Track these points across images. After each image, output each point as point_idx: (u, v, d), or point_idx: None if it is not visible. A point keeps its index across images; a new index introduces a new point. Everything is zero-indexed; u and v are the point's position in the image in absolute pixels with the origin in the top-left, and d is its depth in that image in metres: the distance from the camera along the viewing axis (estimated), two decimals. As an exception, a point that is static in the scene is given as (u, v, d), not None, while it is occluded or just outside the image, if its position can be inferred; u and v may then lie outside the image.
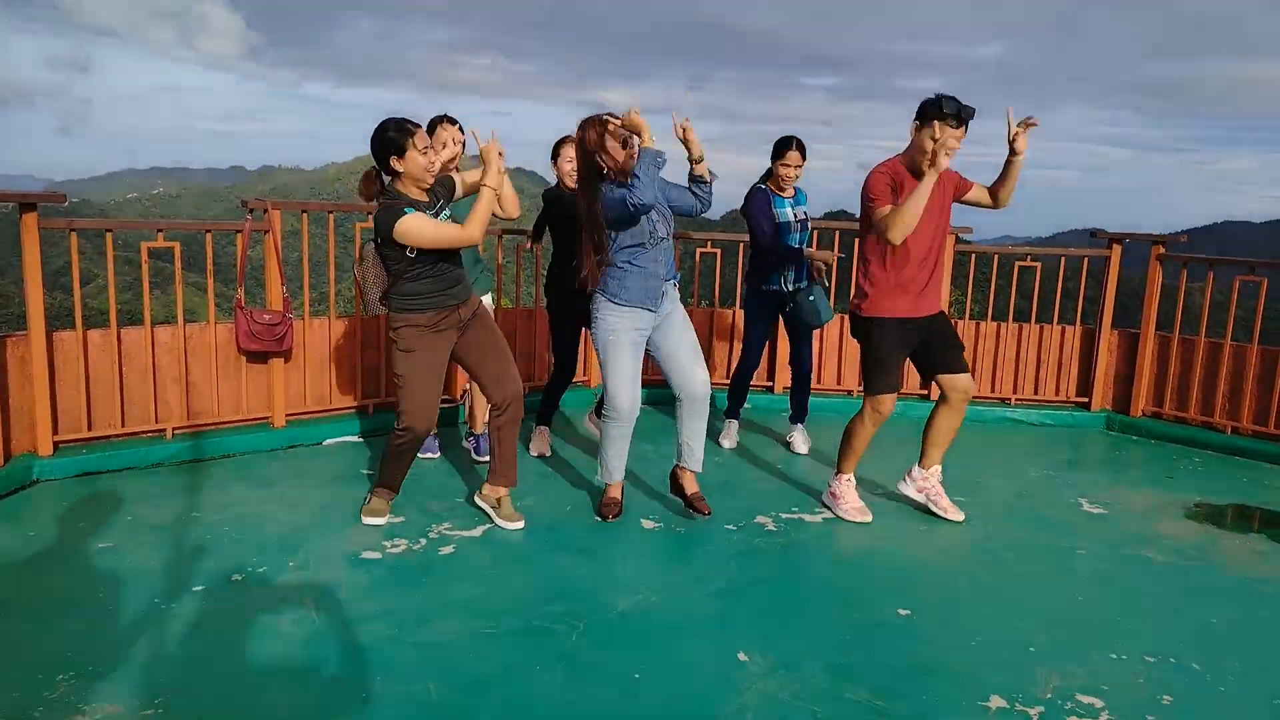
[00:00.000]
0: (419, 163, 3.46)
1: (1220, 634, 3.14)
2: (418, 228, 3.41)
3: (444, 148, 4.23)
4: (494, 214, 3.70)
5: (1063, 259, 6.36)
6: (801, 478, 4.69)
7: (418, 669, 2.70)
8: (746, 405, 5.39)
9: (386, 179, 3.55)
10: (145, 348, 4.51)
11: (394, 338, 3.63)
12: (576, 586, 3.30)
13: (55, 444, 4.29)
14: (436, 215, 3.53)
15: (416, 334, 3.59)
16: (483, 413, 4.63)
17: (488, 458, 4.42)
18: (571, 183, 4.33)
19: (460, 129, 4.29)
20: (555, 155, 4.65)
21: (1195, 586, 3.54)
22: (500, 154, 3.58)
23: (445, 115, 4.37)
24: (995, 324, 6.18)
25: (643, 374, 3.92)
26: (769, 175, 4.91)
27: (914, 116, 3.74)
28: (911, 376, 6.18)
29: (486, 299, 4.53)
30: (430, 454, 4.73)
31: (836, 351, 6.28)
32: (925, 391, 6.18)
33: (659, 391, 5.41)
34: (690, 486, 4.03)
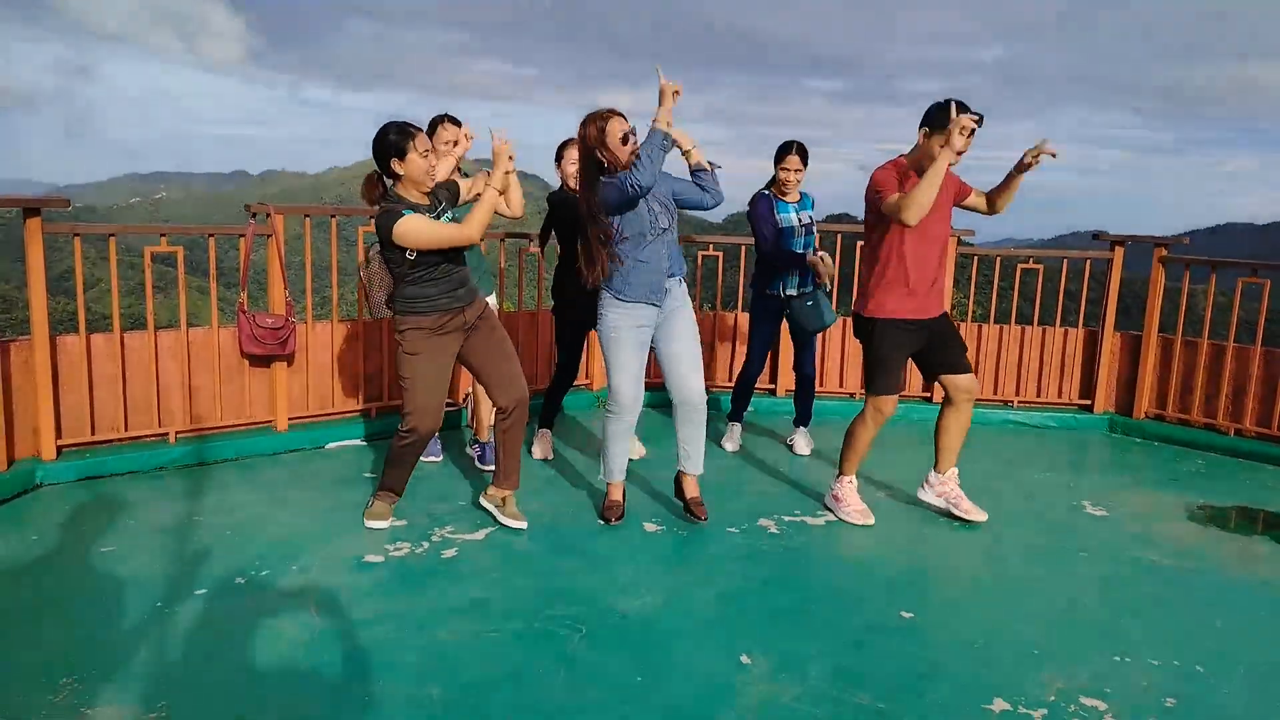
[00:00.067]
0: (419, 165, 3.48)
1: (1223, 636, 3.13)
2: (416, 229, 3.42)
3: (451, 146, 4.24)
4: (499, 213, 3.71)
5: (1065, 261, 6.36)
6: (804, 480, 4.69)
7: (420, 672, 2.70)
8: (750, 409, 5.39)
9: (389, 182, 3.56)
10: (148, 352, 4.52)
11: (399, 340, 3.65)
12: (579, 589, 3.30)
13: (59, 448, 4.30)
14: (438, 218, 3.54)
15: (421, 336, 3.61)
16: (487, 420, 4.63)
17: (491, 467, 4.43)
18: (575, 184, 4.33)
19: (459, 127, 4.30)
20: (559, 158, 4.65)
21: (1198, 589, 3.53)
22: (510, 156, 3.61)
23: (446, 115, 4.37)
24: (998, 327, 6.18)
25: (645, 374, 3.93)
26: (774, 180, 4.92)
27: (921, 123, 3.72)
28: (914, 379, 6.19)
29: (490, 300, 4.53)
30: (433, 457, 4.74)
31: (838, 354, 6.28)
32: (928, 394, 6.18)
33: (661, 394, 5.42)
34: (690, 491, 4.03)
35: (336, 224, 5.10)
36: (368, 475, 4.52)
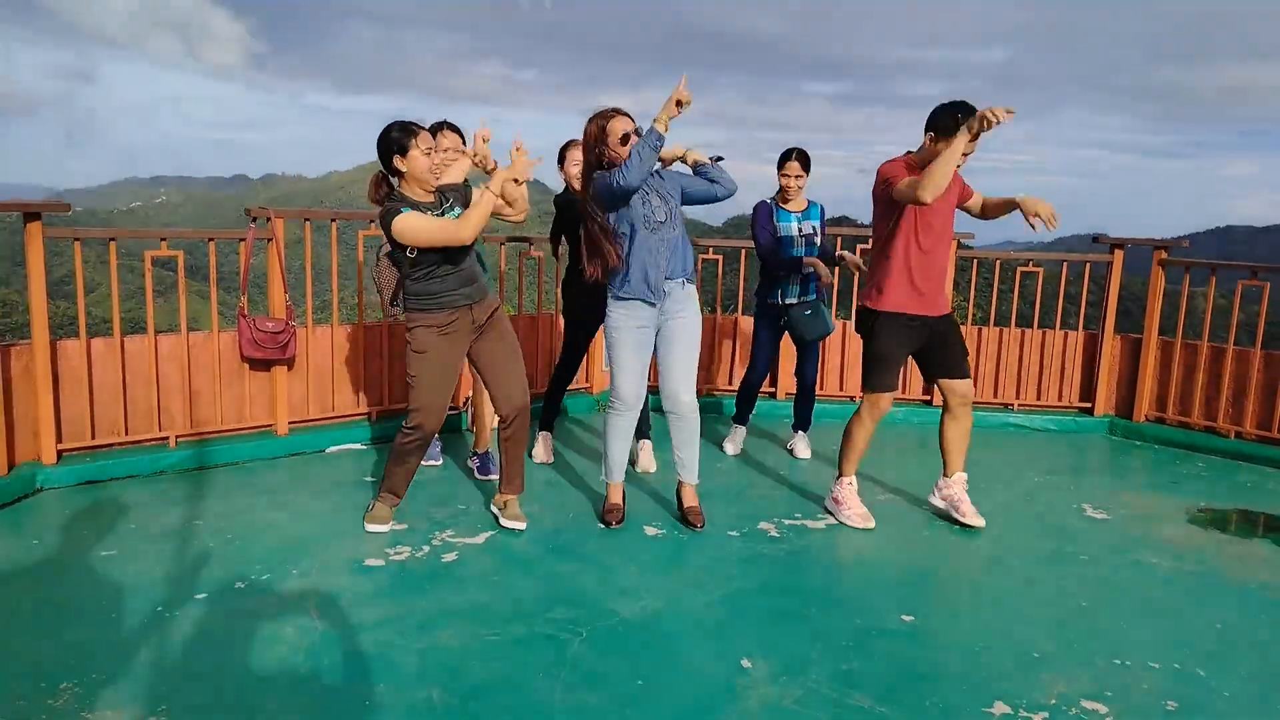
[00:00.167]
0: (421, 163, 3.49)
1: (1224, 640, 3.13)
2: (412, 226, 3.44)
3: (451, 153, 4.23)
4: (502, 217, 3.70)
5: (1064, 264, 6.36)
6: (804, 484, 4.69)
7: (421, 676, 2.70)
8: (752, 412, 5.38)
9: (395, 181, 3.59)
10: (148, 356, 4.53)
11: (408, 338, 3.67)
12: (579, 593, 3.30)
13: (59, 452, 4.30)
14: (442, 215, 3.55)
15: (429, 334, 3.62)
16: (486, 429, 4.62)
17: (492, 476, 4.43)
18: (579, 185, 4.32)
19: (462, 137, 4.29)
20: (561, 160, 4.64)
21: (1199, 592, 3.53)
22: (530, 162, 3.61)
23: (446, 122, 4.36)
24: (998, 329, 6.19)
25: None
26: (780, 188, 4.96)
27: (927, 127, 3.72)
28: (914, 382, 6.19)
29: None
30: (433, 461, 4.74)
31: (838, 358, 6.28)
32: (928, 397, 6.18)
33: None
34: (687, 500, 4.04)
35: (336, 228, 5.10)
36: (368, 479, 4.52)
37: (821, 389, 6.13)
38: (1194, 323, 5.96)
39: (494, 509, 3.99)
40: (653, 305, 3.78)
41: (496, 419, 3.97)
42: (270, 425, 4.93)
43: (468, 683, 2.68)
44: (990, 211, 3.99)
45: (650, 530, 3.95)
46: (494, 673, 2.74)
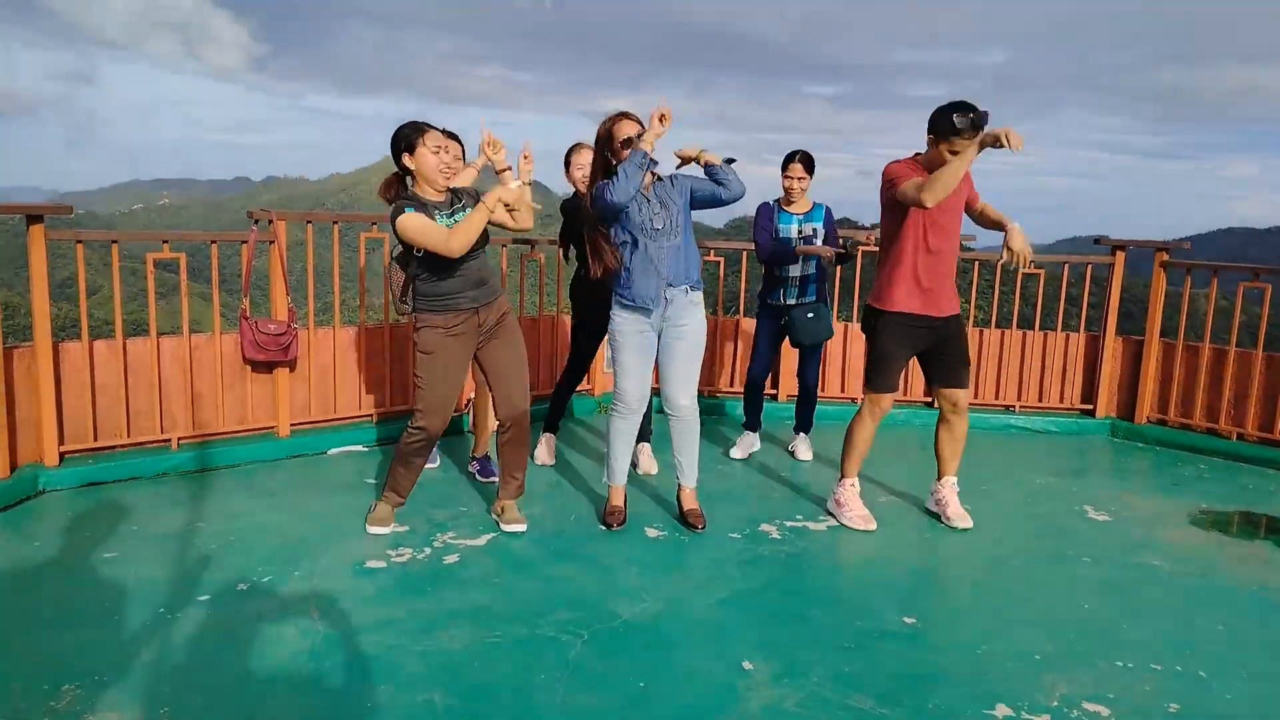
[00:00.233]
0: (430, 161, 3.50)
1: (1226, 642, 3.13)
2: (411, 227, 3.46)
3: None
4: (506, 227, 3.68)
5: (1066, 266, 6.36)
6: (805, 486, 4.69)
7: (422, 678, 2.70)
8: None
9: (409, 181, 3.61)
10: (151, 358, 4.53)
11: (415, 339, 3.68)
12: (581, 595, 3.30)
13: (61, 454, 4.30)
14: (452, 216, 3.56)
15: (435, 335, 3.63)
16: (486, 433, 4.62)
17: (493, 479, 4.43)
18: (585, 189, 4.32)
19: (462, 146, 4.29)
20: (567, 164, 4.63)
21: (1201, 594, 3.53)
22: (517, 191, 3.58)
23: (445, 131, 4.36)
24: (999, 331, 6.18)
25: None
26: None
27: (928, 129, 3.72)
28: (916, 384, 6.19)
29: None
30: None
31: (839, 360, 6.28)
32: (930, 399, 6.18)
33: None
34: (687, 502, 4.05)
35: (338, 230, 5.11)
36: (370, 481, 4.53)
37: (823, 391, 6.13)
38: (1196, 324, 5.95)
39: (493, 514, 3.99)
40: (652, 310, 3.78)
41: (497, 422, 3.96)
42: (272, 427, 4.93)
43: (469, 684, 2.68)
44: (984, 221, 4.03)
45: (651, 532, 3.95)
46: (495, 674, 2.74)
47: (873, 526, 4.06)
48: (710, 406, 5.96)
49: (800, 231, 4.88)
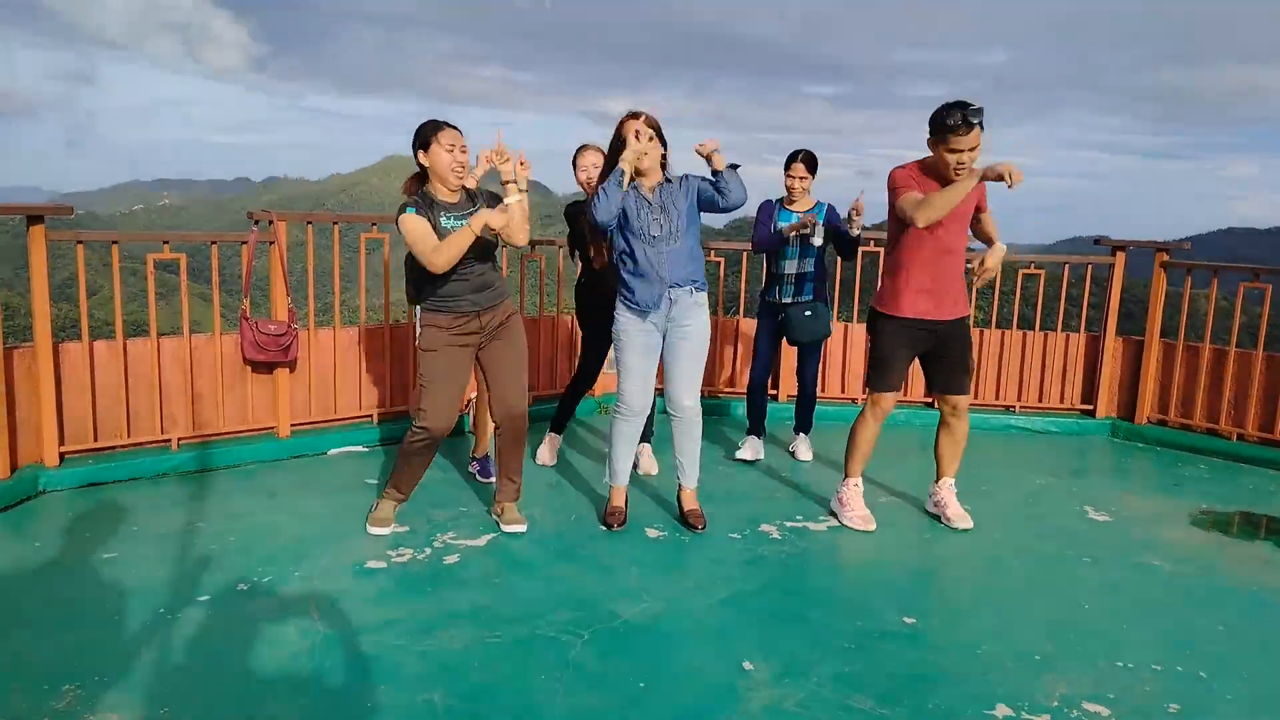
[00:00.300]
0: (442, 159, 3.51)
1: (1226, 642, 3.13)
2: (406, 229, 3.49)
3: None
4: (502, 240, 3.66)
5: (1066, 266, 6.36)
6: (805, 486, 4.69)
7: (423, 678, 2.70)
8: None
9: (427, 178, 3.64)
10: (151, 359, 4.53)
11: (418, 338, 3.71)
12: (581, 595, 3.30)
13: (61, 455, 4.30)
14: (461, 219, 3.56)
15: (437, 334, 3.65)
16: (485, 434, 4.62)
17: (492, 479, 4.43)
18: (591, 191, 4.31)
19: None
20: (575, 165, 4.59)
21: (1201, 594, 3.53)
22: (502, 217, 3.52)
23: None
24: (999, 331, 6.18)
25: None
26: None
27: (928, 131, 3.73)
28: (917, 384, 6.19)
29: None
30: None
31: (839, 361, 6.28)
32: (930, 399, 6.18)
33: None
34: (687, 503, 4.05)
35: (339, 230, 5.11)
36: (370, 482, 4.53)
37: (823, 391, 6.13)
38: (1196, 325, 5.95)
39: (494, 515, 3.99)
40: (652, 312, 3.79)
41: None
42: (272, 428, 4.93)
43: (469, 685, 2.68)
44: (979, 231, 4.04)
45: (652, 532, 3.95)
46: (496, 675, 2.74)
47: (872, 527, 4.06)
48: (710, 407, 5.95)
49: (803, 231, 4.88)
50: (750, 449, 5.13)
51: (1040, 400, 6.21)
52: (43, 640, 2.86)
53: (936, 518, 4.24)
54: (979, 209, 3.95)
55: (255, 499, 4.20)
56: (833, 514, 4.22)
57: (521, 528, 3.86)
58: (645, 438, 4.83)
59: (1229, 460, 5.45)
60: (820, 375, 6.05)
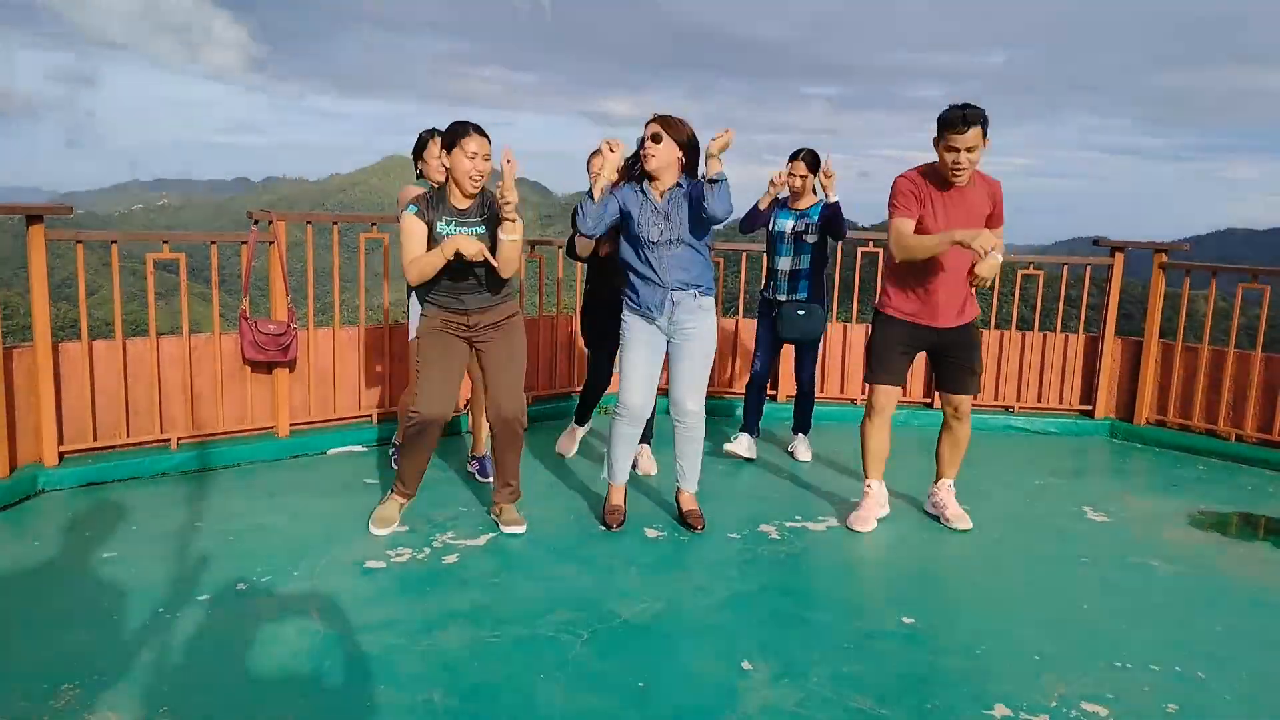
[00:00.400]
0: (462, 165, 3.53)
1: (1225, 643, 3.13)
2: (402, 228, 3.57)
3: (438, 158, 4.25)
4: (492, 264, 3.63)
5: (1065, 267, 6.37)
6: (804, 486, 4.70)
7: (422, 678, 2.70)
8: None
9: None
10: (150, 358, 4.53)
11: (417, 326, 3.80)
12: (580, 595, 3.30)
13: (60, 454, 4.30)
14: (459, 227, 3.58)
15: (428, 322, 3.72)
16: (483, 434, 4.62)
17: (491, 479, 4.43)
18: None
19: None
20: (589, 168, 4.60)
21: (1200, 595, 3.53)
22: (480, 249, 3.50)
23: (435, 130, 4.37)
24: (999, 332, 6.19)
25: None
26: None
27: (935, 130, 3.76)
28: (916, 384, 6.20)
29: None
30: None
31: (839, 361, 6.28)
32: (929, 400, 6.19)
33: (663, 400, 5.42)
34: (686, 504, 4.06)
35: (338, 231, 5.11)
36: (369, 481, 4.53)
37: (822, 391, 6.14)
38: (1195, 326, 5.96)
39: (493, 515, 4.00)
40: (654, 317, 3.80)
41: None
42: (271, 427, 4.93)
43: (469, 684, 2.68)
44: None
45: (651, 532, 3.96)
46: (495, 674, 2.74)
47: (864, 529, 4.05)
48: (709, 407, 5.95)
49: (793, 228, 4.88)
50: (743, 445, 5.13)
51: (1039, 401, 6.22)
52: (41, 639, 2.86)
53: (935, 518, 4.24)
54: (990, 225, 3.90)
55: (254, 499, 4.20)
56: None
57: (520, 528, 3.86)
58: (645, 438, 4.83)
59: (1227, 460, 5.46)
60: (820, 375, 6.06)
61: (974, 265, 3.75)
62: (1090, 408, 6.13)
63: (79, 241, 4.33)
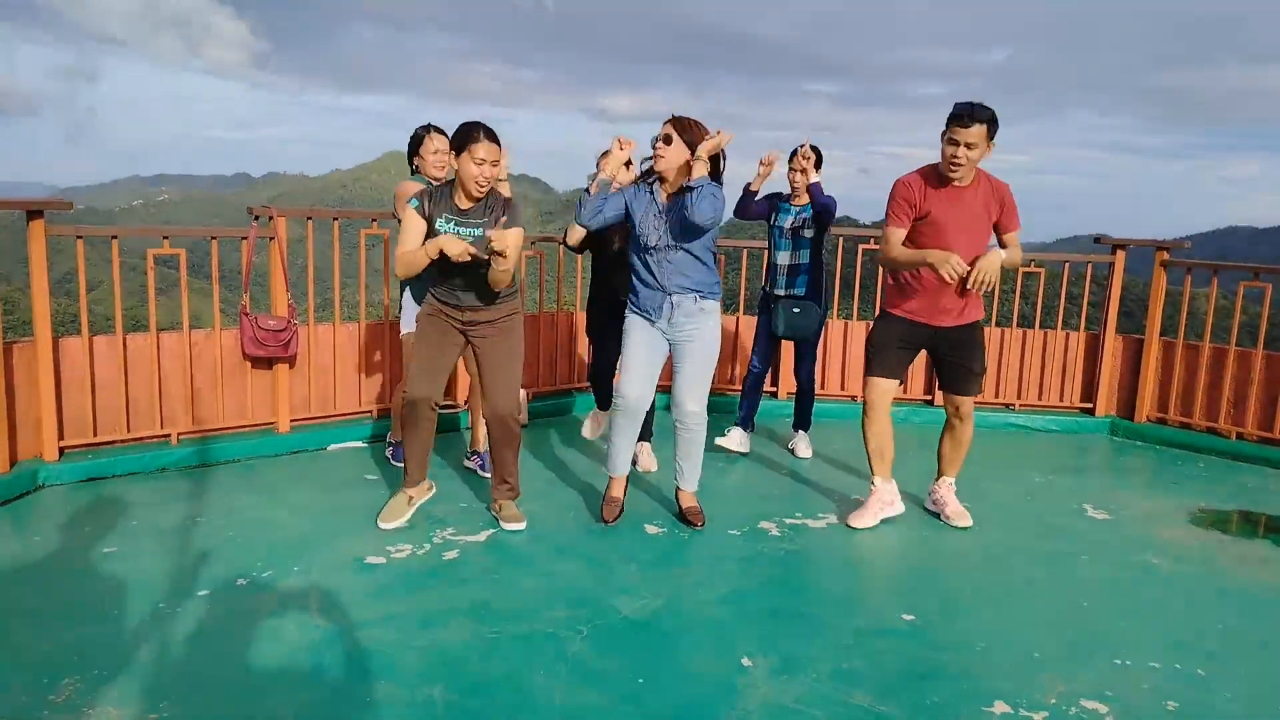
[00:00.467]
0: (469, 170, 3.52)
1: (1225, 641, 3.13)
2: (402, 218, 3.61)
3: (441, 156, 4.26)
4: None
5: (1066, 265, 6.36)
6: (805, 483, 4.70)
7: (421, 673, 2.70)
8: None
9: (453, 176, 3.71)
10: (150, 354, 4.53)
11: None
12: (580, 591, 3.30)
13: (61, 449, 4.30)
14: (459, 227, 3.59)
15: (425, 310, 3.79)
16: (481, 428, 4.62)
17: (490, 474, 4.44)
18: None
19: (449, 140, 4.27)
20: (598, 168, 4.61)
21: (1200, 592, 3.53)
22: (466, 249, 3.48)
23: (431, 125, 4.36)
24: (1000, 329, 6.19)
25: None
26: None
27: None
28: (915, 382, 6.20)
29: None
30: (399, 462, 4.68)
31: (839, 359, 6.28)
32: (929, 397, 6.19)
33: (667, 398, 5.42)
34: (685, 501, 4.06)
35: (339, 226, 5.11)
36: (369, 477, 4.53)
37: (823, 389, 6.14)
38: (1196, 324, 5.96)
39: (493, 511, 4.00)
40: (653, 320, 3.82)
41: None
42: (272, 423, 4.93)
43: (469, 680, 2.68)
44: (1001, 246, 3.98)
45: (651, 529, 3.96)
46: (495, 670, 2.74)
47: (857, 525, 4.04)
48: (710, 404, 5.95)
49: (792, 223, 4.89)
50: (734, 439, 5.12)
51: (1040, 398, 6.22)
52: (42, 634, 2.86)
53: (936, 515, 4.24)
54: (1002, 229, 3.88)
55: (255, 494, 4.20)
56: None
57: (520, 525, 3.86)
58: (645, 437, 4.83)
59: (1228, 459, 5.46)
60: (820, 373, 6.06)
61: (985, 256, 3.71)
62: (1091, 405, 6.13)
63: (79, 237, 4.33)
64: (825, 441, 5.33)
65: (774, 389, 6.22)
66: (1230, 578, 3.68)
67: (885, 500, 4.13)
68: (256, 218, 4.78)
